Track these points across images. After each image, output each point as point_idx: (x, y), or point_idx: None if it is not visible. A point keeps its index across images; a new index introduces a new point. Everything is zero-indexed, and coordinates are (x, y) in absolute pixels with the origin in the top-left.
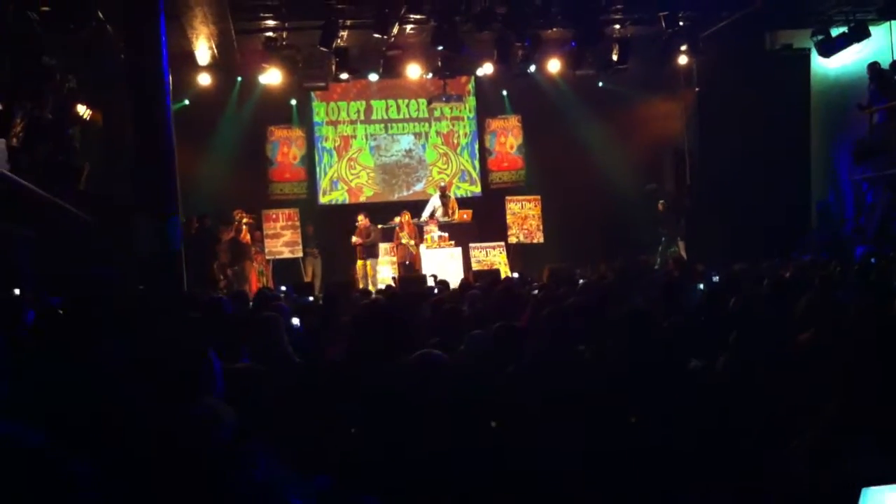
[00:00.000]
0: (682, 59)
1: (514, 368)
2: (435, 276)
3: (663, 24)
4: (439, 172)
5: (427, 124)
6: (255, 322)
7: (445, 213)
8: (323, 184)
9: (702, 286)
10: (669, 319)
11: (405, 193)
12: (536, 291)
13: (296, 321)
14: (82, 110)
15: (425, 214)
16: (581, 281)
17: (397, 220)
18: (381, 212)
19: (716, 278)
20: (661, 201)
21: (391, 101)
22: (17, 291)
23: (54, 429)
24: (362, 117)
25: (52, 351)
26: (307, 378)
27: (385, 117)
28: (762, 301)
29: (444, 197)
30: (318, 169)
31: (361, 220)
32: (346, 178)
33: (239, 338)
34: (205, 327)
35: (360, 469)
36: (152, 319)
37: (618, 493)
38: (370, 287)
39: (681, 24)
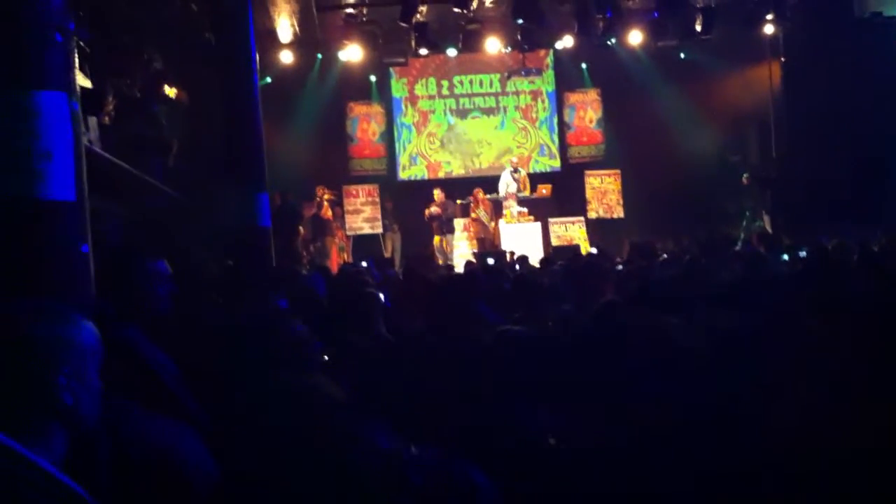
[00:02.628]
0: (768, 28)
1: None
2: (513, 253)
3: None
4: (518, 147)
5: (505, 98)
6: (355, 299)
7: (518, 190)
8: (402, 159)
9: (786, 256)
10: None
11: (484, 168)
12: (620, 266)
13: (381, 296)
14: (169, 89)
15: (501, 191)
16: (664, 255)
17: (472, 196)
18: (461, 187)
19: (803, 253)
20: (745, 174)
21: (470, 76)
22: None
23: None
24: (441, 92)
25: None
26: (395, 353)
27: (464, 92)
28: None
29: (515, 172)
30: (397, 145)
31: (437, 194)
32: (426, 154)
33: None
34: (296, 303)
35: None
36: (249, 294)
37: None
38: (448, 261)
39: None
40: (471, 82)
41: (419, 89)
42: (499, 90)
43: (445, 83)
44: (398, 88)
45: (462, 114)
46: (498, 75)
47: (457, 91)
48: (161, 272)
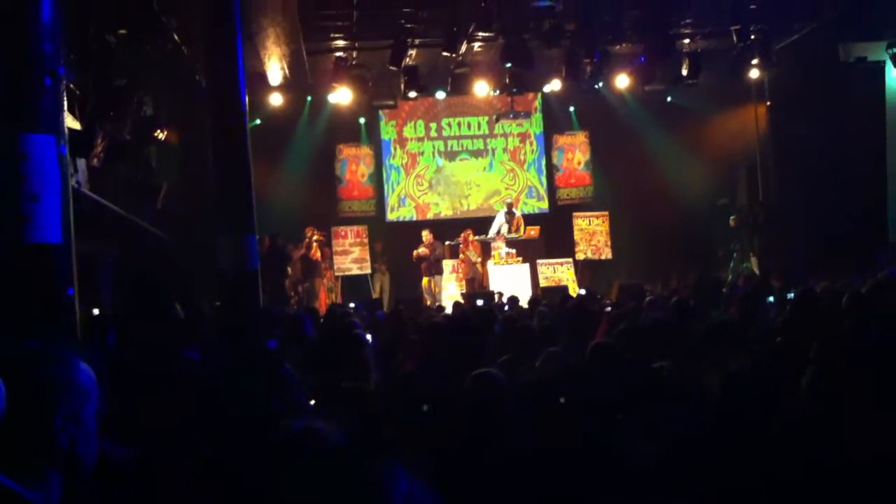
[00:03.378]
0: (754, 73)
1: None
2: (501, 294)
3: (735, 38)
4: (506, 189)
5: (494, 141)
6: (345, 340)
7: (511, 230)
8: (391, 201)
9: (772, 298)
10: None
11: (472, 209)
12: (609, 308)
13: (368, 337)
14: (159, 131)
15: (492, 231)
16: (648, 297)
17: (461, 237)
18: (449, 228)
19: (791, 295)
20: (733, 216)
21: (458, 119)
22: (95, 311)
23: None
24: (430, 134)
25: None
26: (385, 393)
27: (452, 134)
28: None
29: (509, 214)
30: (386, 186)
31: (426, 236)
32: (414, 195)
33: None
34: (285, 344)
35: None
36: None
37: None
38: (437, 302)
39: (753, 37)
40: (459, 125)
41: (408, 131)
42: (487, 132)
43: (434, 125)
44: (387, 130)
45: (451, 156)
46: (486, 118)
47: (445, 133)
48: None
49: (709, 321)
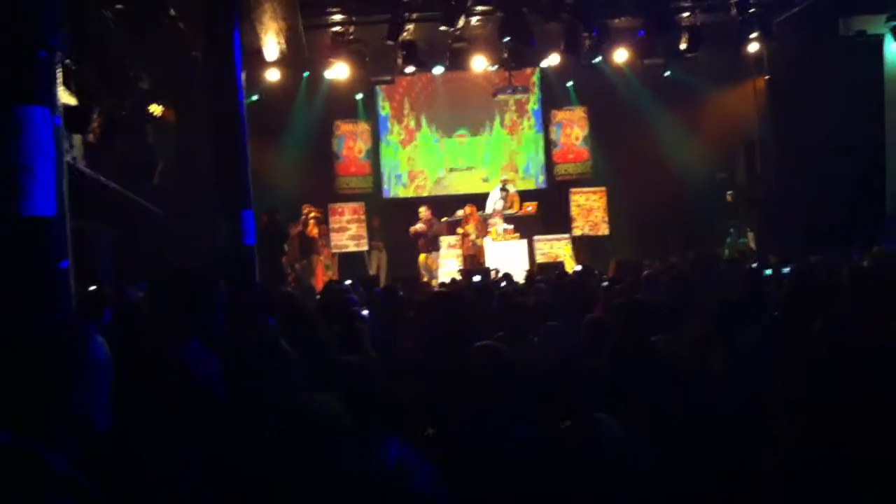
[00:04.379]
0: (753, 47)
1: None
2: (497, 270)
3: (735, 11)
4: (504, 164)
5: (492, 116)
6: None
7: (505, 207)
8: (388, 177)
9: (769, 272)
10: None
11: (469, 186)
12: (606, 283)
13: (365, 313)
14: (155, 108)
15: (488, 208)
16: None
17: (461, 212)
18: (446, 205)
19: (786, 270)
20: (730, 192)
21: (456, 95)
22: (93, 287)
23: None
24: (427, 110)
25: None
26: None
27: (450, 110)
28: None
29: (504, 190)
30: (383, 163)
31: (423, 212)
32: (411, 172)
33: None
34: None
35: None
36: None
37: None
38: (433, 281)
39: (752, 10)
40: (457, 100)
41: (406, 107)
42: (485, 108)
43: (431, 100)
44: (385, 106)
45: (448, 131)
46: (484, 93)
47: (443, 109)
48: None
49: (720, 298)
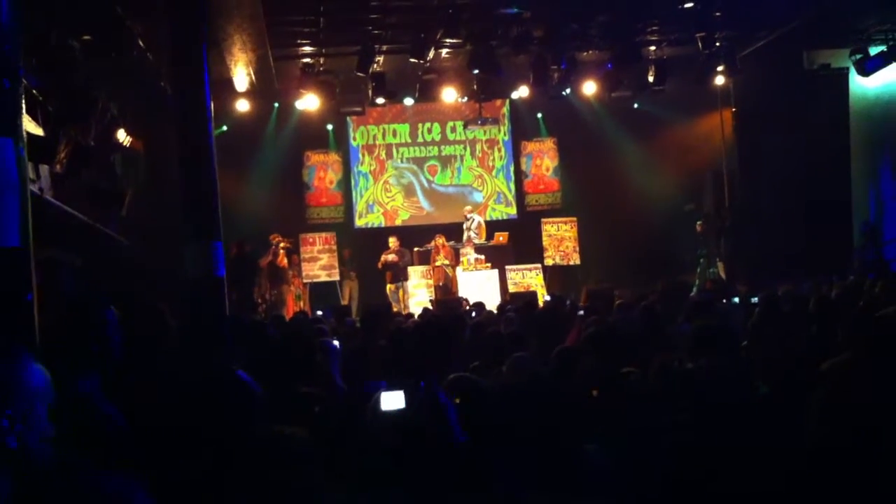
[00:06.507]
0: (720, 80)
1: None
2: (467, 300)
3: (700, 45)
4: (475, 195)
5: (462, 147)
6: (310, 347)
7: (475, 237)
8: (359, 207)
9: (737, 299)
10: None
11: (440, 216)
12: (582, 312)
13: (336, 343)
14: (123, 137)
15: (464, 238)
16: (618, 302)
17: (433, 242)
18: (417, 234)
19: (755, 299)
20: (699, 222)
21: (426, 125)
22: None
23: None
24: (397, 141)
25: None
26: (351, 403)
27: (420, 141)
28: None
29: (471, 219)
30: (354, 193)
31: (393, 242)
32: (382, 202)
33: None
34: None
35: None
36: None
37: None
38: (403, 310)
39: (718, 44)
40: (427, 131)
41: (376, 138)
42: (455, 139)
43: (402, 132)
44: (355, 137)
45: (419, 162)
46: (454, 124)
47: (413, 140)
48: (114, 320)
49: (696, 325)
